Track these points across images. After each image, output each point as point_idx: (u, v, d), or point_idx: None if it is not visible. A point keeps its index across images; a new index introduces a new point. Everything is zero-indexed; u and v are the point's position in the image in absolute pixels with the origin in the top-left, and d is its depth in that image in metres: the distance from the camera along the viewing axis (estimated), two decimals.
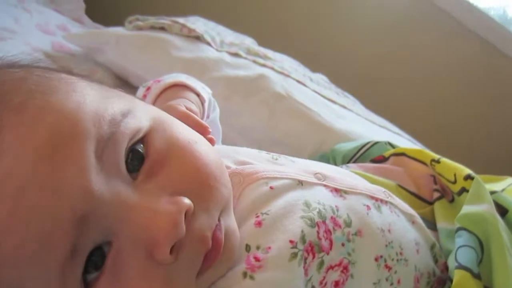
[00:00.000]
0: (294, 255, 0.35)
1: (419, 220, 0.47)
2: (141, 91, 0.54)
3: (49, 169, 0.27)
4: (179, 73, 0.58)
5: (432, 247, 0.46)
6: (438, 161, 0.54)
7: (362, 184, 0.46)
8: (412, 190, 0.53)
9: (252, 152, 0.47)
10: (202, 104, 0.53)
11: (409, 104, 1.81)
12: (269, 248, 0.35)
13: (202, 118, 0.52)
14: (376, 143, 0.65)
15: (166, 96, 0.51)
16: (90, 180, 0.27)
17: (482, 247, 0.43)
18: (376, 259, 0.40)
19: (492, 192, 0.49)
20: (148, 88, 0.53)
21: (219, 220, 0.33)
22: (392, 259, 0.41)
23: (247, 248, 0.35)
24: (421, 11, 1.80)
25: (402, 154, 0.60)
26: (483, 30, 1.79)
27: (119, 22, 0.99)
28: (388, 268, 0.41)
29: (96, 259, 0.29)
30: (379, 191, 0.46)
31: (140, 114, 0.32)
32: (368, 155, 0.64)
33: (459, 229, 0.44)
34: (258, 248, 0.35)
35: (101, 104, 0.30)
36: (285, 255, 0.35)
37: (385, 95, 1.74)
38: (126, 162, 0.30)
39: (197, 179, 0.33)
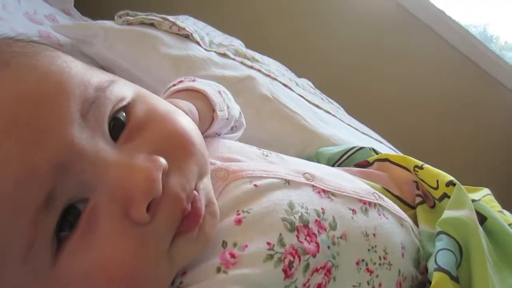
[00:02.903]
0: (270, 257, 0.35)
1: (408, 222, 0.48)
2: (176, 80, 0.54)
3: (31, 114, 0.27)
4: (215, 83, 0.56)
5: (418, 250, 0.47)
6: (421, 167, 0.55)
7: (351, 186, 0.46)
8: (396, 193, 0.54)
9: (244, 147, 0.47)
10: (213, 119, 0.50)
11: (391, 112, 1.86)
12: (246, 246, 0.35)
13: (201, 129, 0.50)
14: (360, 148, 0.66)
15: (183, 96, 0.50)
16: (72, 132, 0.28)
17: (461, 252, 0.43)
18: (357, 263, 0.41)
19: (472, 200, 0.50)
20: (181, 81, 0.53)
21: (196, 186, 0.33)
22: (374, 263, 0.41)
23: (224, 244, 0.35)
24: (403, 24, 1.85)
25: (385, 159, 0.61)
26: (464, 46, 1.85)
27: (108, 17, 0.99)
28: (370, 271, 0.41)
29: (71, 218, 0.29)
30: (368, 193, 0.46)
31: (123, 86, 0.34)
32: (352, 160, 0.65)
33: (439, 233, 0.45)
34: (235, 245, 0.35)
35: (87, 72, 0.32)
36: (260, 255, 0.35)
37: (368, 103, 1.77)
38: (109, 127, 0.31)
39: (174, 141, 0.33)
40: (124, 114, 0.33)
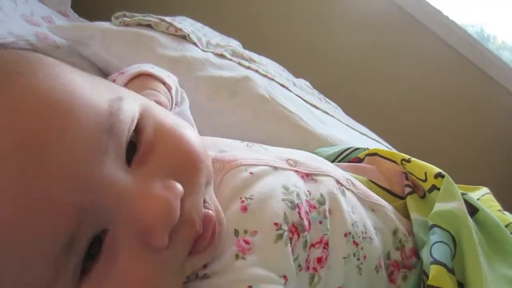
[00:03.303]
0: (280, 236, 0.38)
1: (383, 207, 0.50)
2: (112, 76, 0.55)
3: (40, 159, 0.25)
4: (144, 63, 0.58)
5: (395, 232, 0.49)
6: (408, 161, 0.57)
7: (330, 169, 0.49)
8: (383, 185, 0.55)
9: (228, 141, 0.49)
10: (169, 91, 0.54)
11: (389, 112, 1.86)
12: (255, 232, 0.37)
13: (171, 107, 0.54)
14: (356, 149, 0.67)
15: (132, 87, 0.51)
16: (93, 171, 0.27)
17: (455, 243, 0.45)
18: (345, 235, 0.43)
19: (463, 194, 0.50)
20: (113, 81, 0.53)
21: (206, 202, 0.34)
22: (359, 237, 0.44)
23: (236, 232, 0.37)
24: (400, 24, 1.85)
25: (375, 154, 0.62)
26: (461, 46, 1.86)
27: (105, 18, 0.98)
28: (356, 244, 0.43)
29: (93, 248, 0.28)
30: (343, 179, 0.48)
31: (131, 102, 0.32)
32: (347, 160, 0.67)
33: (432, 226, 0.46)
34: (245, 232, 0.37)
35: (93, 92, 0.29)
36: (270, 237, 0.37)
37: (366, 103, 1.78)
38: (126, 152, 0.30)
39: (185, 162, 0.33)
40: (134, 135, 0.31)
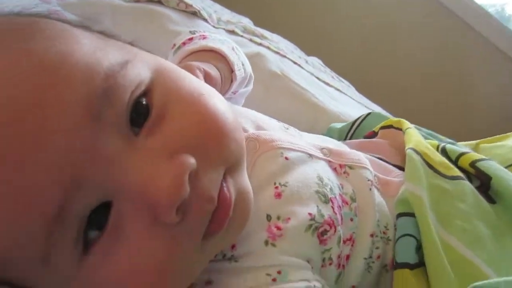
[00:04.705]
0: (310, 226, 0.37)
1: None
2: (184, 36, 0.53)
3: (24, 128, 0.24)
4: (228, 40, 0.55)
5: None
6: (404, 132, 0.53)
7: (365, 159, 0.47)
8: (394, 162, 0.52)
9: (265, 118, 0.47)
10: (232, 81, 0.51)
11: (401, 88, 1.82)
12: (289, 219, 0.37)
13: (223, 92, 0.50)
14: (369, 113, 0.65)
15: (200, 56, 0.49)
16: (80, 139, 0.25)
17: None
18: (371, 235, 0.41)
19: (479, 160, 0.47)
20: (191, 39, 0.52)
21: (225, 178, 0.31)
22: (377, 236, 0.42)
23: (268, 217, 0.37)
24: (420, 4, 1.80)
25: (390, 126, 0.59)
26: (481, 25, 1.81)
27: None
28: (372, 243, 0.42)
29: (98, 217, 0.27)
30: (371, 174, 0.46)
31: (140, 65, 0.30)
32: (362, 128, 0.64)
33: (397, 216, 0.43)
34: (278, 218, 0.37)
35: (94, 55, 0.28)
36: (302, 226, 0.37)
37: (378, 80, 1.75)
38: (131, 117, 0.28)
39: (201, 133, 0.30)
40: (144, 99, 0.29)
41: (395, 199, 0.44)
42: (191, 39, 0.52)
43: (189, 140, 0.29)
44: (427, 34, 1.83)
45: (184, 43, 0.52)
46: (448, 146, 0.51)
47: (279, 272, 0.35)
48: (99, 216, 0.27)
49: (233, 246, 0.36)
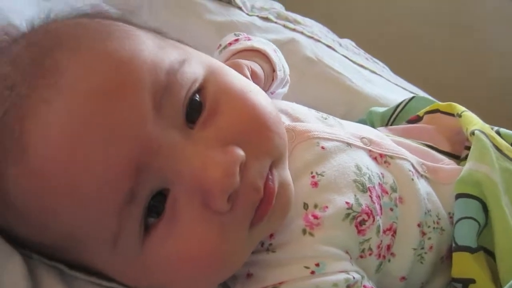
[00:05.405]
0: (347, 215, 0.37)
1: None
2: (230, 38, 0.56)
3: (104, 111, 0.27)
4: (270, 43, 0.58)
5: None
6: (460, 115, 0.52)
7: (406, 151, 0.46)
8: (444, 149, 0.52)
9: (303, 109, 0.48)
10: (273, 80, 0.53)
11: (440, 70, 1.77)
12: (326, 207, 0.37)
13: (264, 90, 0.52)
14: (413, 97, 0.64)
15: (244, 56, 0.52)
16: (146, 128, 0.28)
17: (486, 209, 0.41)
18: (418, 225, 0.41)
19: None
20: (236, 40, 0.55)
21: (271, 170, 0.33)
22: (429, 226, 0.42)
23: (305, 206, 0.37)
24: None
25: (436, 110, 0.57)
26: None
27: None
28: (423, 233, 0.42)
29: (156, 204, 0.30)
30: (417, 163, 0.46)
31: (195, 64, 0.33)
32: (406, 112, 0.63)
33: (457, 197, 0.42)
34: (315, 206, 0.37)
35: (158, 54, 0.31)
36: (340, 214, 0.37)
37: (414, 61, 1.70)
38: (186, 112, 0.31)
39: (250, 127, 0.33)
40: (198, 96, 0.32)
41: (449, 186, 0.44)
42: (236, 40, 0.55)
43: (239, 134, 0.32)
44: (469, 24, 1.76)
45: (230, 44, 0.54)
46: (503, 130, 0.50)
47: (317, 265, 0.35)
48: (156, 203, 0.30)
49: (271, 235, 0.37)
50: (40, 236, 0.31)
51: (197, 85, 0.32)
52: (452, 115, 0.55)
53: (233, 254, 0.32)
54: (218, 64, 0.38)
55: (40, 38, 0.31)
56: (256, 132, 0.33)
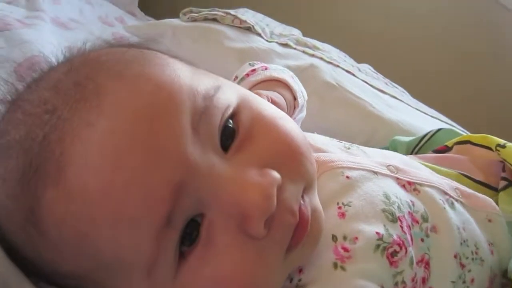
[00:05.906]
0: (378, 246, 0.35)
1: (497, 217, 0.44)
2: (246, 68, 0.56)
3: (147, 133, 0.27)
4: (287, 70, 0.59)
5: None
6: (503, 146, 0.50)
7: (435, 178, 0.45)
8: (478, 178, 0.50)
9: (325, 139, 0.47)
10: (294, 108, 0.53)
11: (460, 95, 1.76)
12: (356, 238, 0.35)
13: (291, 112, 0.53)
14: (440, 129, 0.63)
15: (265, 86, 0.52)
16: (187, 150, 0.28)
17: None
18: (455, 256, 0.39)
19: None
20: (253, 70, 0.55)
21: (302, 196, 0.33)
22: (467, 258, 0.40)
23: (334, 238, 0.36)
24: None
25: (467, 141, 0.56)
26: None
27: (168, 16, 1.03)
28: (462, 266, 0.40)
29: (190, 231, 0.29)
30: (451, 189, 0.44)
31: (228, 91, 0.33)
32: (432, 143, 0.62)
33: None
34: (345, 238, 0.35)
35: (194, 79, 0.31)
36: (371, 245, 0.35)
37: (432, 85, 1.70)
38: (220, 136, 0.31)
39: (284, 152, 0.33)
40: (231, 122, 0.32)
41: (483, 213, 0.43)
42: (253, 70, 0.55)
43: (273, 158, 0.32)
44: (481, 36, 1.76)
45: (247, 75, 0.55)
46: None
47: None
48: (190, 230, 0.29)
49: (300, 270, 0.35)
50: (69, 266, 0.31)
51: (230, 110, 0.32)
52: (485, 147, 0.54)
53: (269, 279, 0.31)
54: (247, 91, 0.38)
55: (80, 65, 0.32)
56: (290, 157, 0.33)
